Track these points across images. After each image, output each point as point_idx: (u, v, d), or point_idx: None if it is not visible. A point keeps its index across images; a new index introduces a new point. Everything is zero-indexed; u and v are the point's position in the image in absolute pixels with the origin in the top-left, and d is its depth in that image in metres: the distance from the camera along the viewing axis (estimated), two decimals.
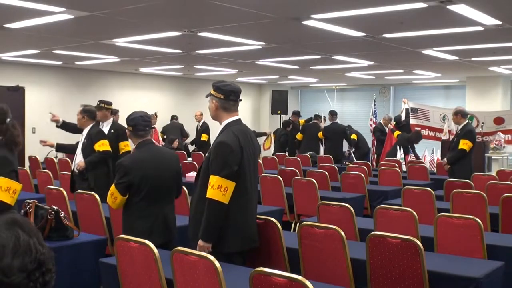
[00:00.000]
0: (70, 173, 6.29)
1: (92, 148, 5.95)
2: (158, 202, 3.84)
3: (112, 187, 3.80)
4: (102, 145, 5.95)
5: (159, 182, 3.83)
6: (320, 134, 11.85)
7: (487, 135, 11.36)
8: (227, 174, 3.31)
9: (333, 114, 11.97)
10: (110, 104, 6.79)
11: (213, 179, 3.31)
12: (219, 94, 3.51)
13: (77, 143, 6.26)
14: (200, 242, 3.35)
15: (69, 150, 6.51)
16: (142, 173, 3.77)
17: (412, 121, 12.08)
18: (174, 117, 13.22)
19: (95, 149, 5.93)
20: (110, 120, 6.73)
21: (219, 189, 3.29)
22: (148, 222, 3.78)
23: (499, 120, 11.70)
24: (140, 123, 3.88)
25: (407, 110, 11.94)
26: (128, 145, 6.52)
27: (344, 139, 11.87)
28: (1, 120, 3.48)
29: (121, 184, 3.76)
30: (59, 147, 6.55)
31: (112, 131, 6.59)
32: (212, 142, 3.84)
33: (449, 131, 11.74)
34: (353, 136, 12.18)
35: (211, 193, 3.30)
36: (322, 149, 12.76)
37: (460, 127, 7.54)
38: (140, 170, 3.77)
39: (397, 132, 11.36)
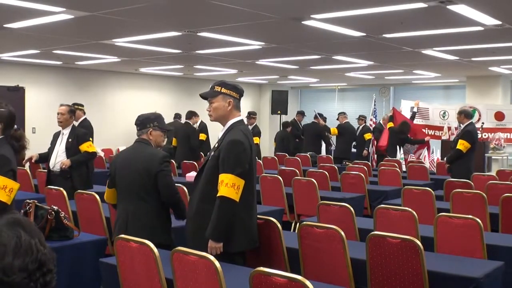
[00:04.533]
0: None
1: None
2: (124, 198, 3.84)
3: None
4: (90, 147, 6.15)
5: (124, 179, 3.84)
6: (334, 129, 11.86)
7: (487, 132, 11.37)
8: (240, 172, 3.30)
9: (345, 114, 12.15)
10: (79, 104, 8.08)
11: (227, 177, 3.29)
12: (235, 93, 3.50)
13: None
14: (212, 243, 3.31)
15: (45, 158, 6.36)
16: (114, 167, 3.91)
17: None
18: (177, 116, 13.08)
19: (82, 150, 6.05)
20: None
21: (232, 187, 3.26)
22: (119, 217, 3.84)
23: (499, 115, 11.71)
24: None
25: (414, 113, 11.94)
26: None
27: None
28: (12, 125, 3.48)
29: (109, 176, 3.97)
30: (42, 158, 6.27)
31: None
32: (211, 141, 3.84)
33: (449, 129, 11.75)
34: (368, 136, 12.19)
35: (225, 191, 3.27)
36: (323, 148, 12.78)
37: (462, 127, 7.57)
38: (113, 164, 3.94)
39: (390, 124, 11.36)
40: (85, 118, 8.24)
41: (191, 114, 10.03)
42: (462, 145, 7.31)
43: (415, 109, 12.19)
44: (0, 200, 3.26)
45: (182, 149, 9.73)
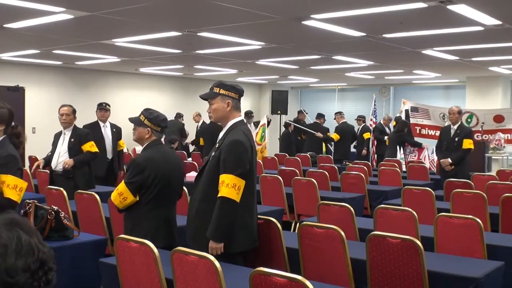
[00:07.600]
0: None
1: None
2: (165, 204, 3.78)
3: (122, 186, 3.65)
4: (93, 146, 6.15)
5: (168, 183, 3.76)
6: (336, 136, 11.86)
7: (487, 133, 11.35)
8: (241, 172, 3.31)
9: (341, 114, 12.13)
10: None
11: (227, 178, 3.29)
12: (234, 93, 3.49)
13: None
14: (213, 244, 3.32)
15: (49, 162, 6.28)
16: (155, 172, 3.68)
17: (412, 120, 12.07)
18: (178, 115, 13.15)
19: (84, 150, 6.07)
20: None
21: (233, 187, 3.27)
22: (154, 224, 3.71)
23: (499, 118, 11.71)
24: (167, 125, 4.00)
25: (406, 111, 11.95)
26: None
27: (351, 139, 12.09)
28: (11, 123, 3.48)
29: (133, 184, 3.63)
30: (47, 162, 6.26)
31: (114, 130, 7.58)
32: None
33: None
34: (367, 135, 12.19)
35: (226, 192, 3.27)
36: (325, 149, 12.79)
37: (456, 127, 7.55)
38: (153, 170, 3.68)
39: None
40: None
41: None
42: (471, 144, 7.44)
43: (405, 107, 12.21)
44: (11, 199, 3.27)
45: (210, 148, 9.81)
